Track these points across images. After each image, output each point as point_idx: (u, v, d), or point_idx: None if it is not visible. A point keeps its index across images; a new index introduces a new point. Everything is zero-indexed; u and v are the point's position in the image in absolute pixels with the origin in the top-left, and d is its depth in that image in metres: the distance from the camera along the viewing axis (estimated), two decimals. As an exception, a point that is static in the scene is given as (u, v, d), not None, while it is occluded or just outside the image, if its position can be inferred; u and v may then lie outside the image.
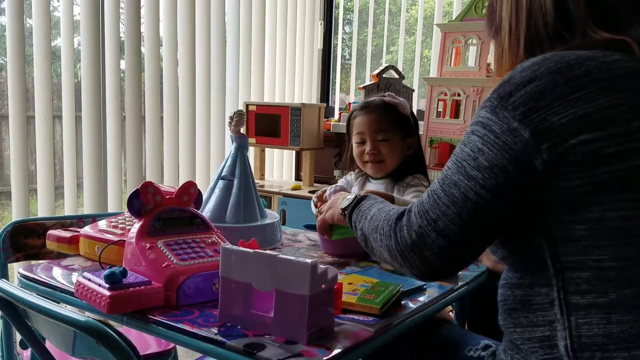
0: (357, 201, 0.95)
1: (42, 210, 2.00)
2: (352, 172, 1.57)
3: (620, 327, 0.66)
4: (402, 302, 0.93)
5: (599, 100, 0.67)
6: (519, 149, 0.68)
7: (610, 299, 0.67)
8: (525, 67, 0.71)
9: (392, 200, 1.31)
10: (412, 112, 1.53)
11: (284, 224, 2.29)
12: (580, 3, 0.74)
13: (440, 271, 0.77)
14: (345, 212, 0.96)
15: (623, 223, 0.66)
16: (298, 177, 2.84)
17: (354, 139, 1.47)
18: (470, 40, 2.18)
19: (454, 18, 2.34)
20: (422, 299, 0.95)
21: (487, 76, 2.12)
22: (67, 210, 2.08)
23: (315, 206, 1.35)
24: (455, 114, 2.21)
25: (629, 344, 0.65)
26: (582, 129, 0.66)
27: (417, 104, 2.77)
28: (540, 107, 0.68)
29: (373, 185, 1.47)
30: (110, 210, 2.17)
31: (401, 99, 1.51)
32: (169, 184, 2.37)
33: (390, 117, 1.45)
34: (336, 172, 2.55)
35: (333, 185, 1.28)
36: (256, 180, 2.52)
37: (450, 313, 1.49)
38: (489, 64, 2.13)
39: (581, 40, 0.74)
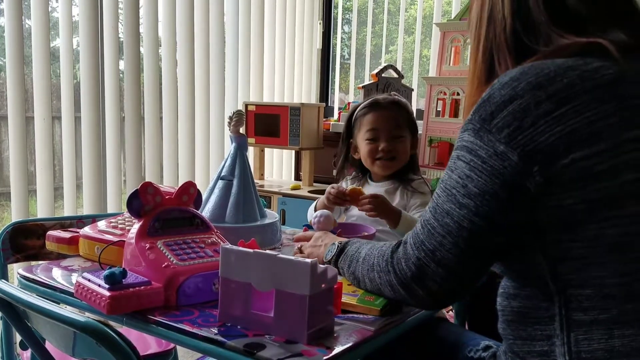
0: (340, 250, 0.94)
1: (41, 211, 2.00)
2: (347, 178, 1.55)
3: (622, 341, 0.65)
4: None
5: (585, 114, 0.65)
6: (509, 173, 0.67)
7: (612, 315, 0.65)
8: (503, 83, 0.69)
9: (399, 216, 1.29)
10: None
11: (283, 223, 2.28)
12: (540, 8, 0.73)
13: (445, 299, 0.77)
14: (330, 262, 0.95)
15: (620, 239, 0.65)
16: (298, 177, 2.84)
17: (364, 137, 1.42)
18: (469, 39, 2.18)
19: (452, 17, 2.34)
20: (422, 298, 0.95)
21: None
22: (67, 210, 2.08)
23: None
24: (455, 113, 2.22)
25: (630, 357, 0.64)
26: (571, 147, 0.64)
27: (416, 103, 2.78)
28: (525, 126, 0.66)
29: (373, 188, 1.44)
30: (109, 210, 2.17)
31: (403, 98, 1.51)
32: (168, 184, 2.37)
33: (402, 115, 1.44)
34: (335, 172, 2.54)
35: (319, 212, 1.20)
36: (256, 180, 2.52)
37: (450, 312, 1.49)
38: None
39: (546, 45, 0.72)
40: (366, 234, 1.24)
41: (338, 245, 0.96)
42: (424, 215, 0.76)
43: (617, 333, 0.65)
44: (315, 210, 1.45)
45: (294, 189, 2.47)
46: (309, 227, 1.30)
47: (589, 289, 0.66)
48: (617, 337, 0.65)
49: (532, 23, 0.74)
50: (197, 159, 2.52)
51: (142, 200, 0.94)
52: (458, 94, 2.18)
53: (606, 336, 0.65)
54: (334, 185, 1.38)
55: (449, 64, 2.24)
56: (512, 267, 0.75)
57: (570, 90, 0.65)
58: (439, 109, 2.27)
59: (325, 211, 1.23)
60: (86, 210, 2.11)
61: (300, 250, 1.09)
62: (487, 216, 0.69)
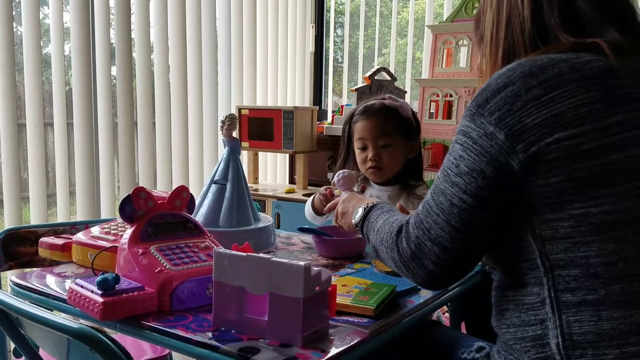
0: (366, 213, 0.96)
1: (34, 218, 1.99)
2: None
3: (611, 324, 0.66)
4: (397, 303, 0.93)
5: (571, 99, 0.69)
6: (495, 152, 0.70)
7: (599, 296, 0.67)
8: (500, 73, 0.74)
9: None
10: (413, 114, 1.49)
11: (278, 227, 2.28)
12: (554, 12, 0.77)
13: (442, 279, 0.78)
14: (358, 227, 0.98)
15: (607, 218, 0.67)
16: (292, 181, 2.84)
17: (356, 145, 1.43)
18: (461, 41, 2.19)
19: (444, 19, 2.35)
20: (416, 299, 0.95)
21: (478, 77, 2.13)
22: (60, 217, 2.07)
23: (321, 201, 1.35)
24: (448, 115, 2.22)
25: (620, 340, 0.66)
26: (556, 128, 0.68)
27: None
28: (514, 109, 0.70)
29: (376, 191, 1.44)
30: (103, 216, 2.16)
31: (402, 100, 1.48)
32: (162, 190, 2.36)
33: (392, 121, 1.42)
34: (330, 175, 2.55)
35: (340, 172, 1.23)
36: (250, 184, 2.52)
37: (446, 313, 1.50)
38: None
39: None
40: (358, 236, 1.24)
41: (364, 208, 0.97)
42: (426, 196, 0.79)
43: (605, 315, 0.67)
44: (313, 206, 1.44)
45: (288, 192, 2.47)
46: (303, 230, 1.30)
47: (576, 269, 0.68)
48: (606, 319, 0.67)
49: (545, 26, 0.77)
50: (190, 164, 2.51)
51: (135, 205, 0.94)
52: (451, 95, 2.19)
53: (595, 318, 0.67)
54: (326, 187, 1.39)
55: (442, 66, 2.25)
56: (508, 256, 0.77)
57: (560, 78, 0.70)
58: (432, 110, 2.27)
59: (346, 170, 1.26)
60: (79, 216, 2.10)
61: (333, 213, 1.12)
62: (475, 193, 0.72)
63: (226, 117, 1.24)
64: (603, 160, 0.67)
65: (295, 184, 2.63)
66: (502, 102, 0.71)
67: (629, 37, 0.75)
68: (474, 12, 2.13)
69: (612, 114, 0.68)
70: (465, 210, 0.73)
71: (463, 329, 1.31)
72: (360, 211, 0.98)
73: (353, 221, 1.00)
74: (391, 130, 1.42)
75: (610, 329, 0.66)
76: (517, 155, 0.69)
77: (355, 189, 1.24)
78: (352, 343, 0.78)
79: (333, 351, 0.75)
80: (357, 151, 1.44)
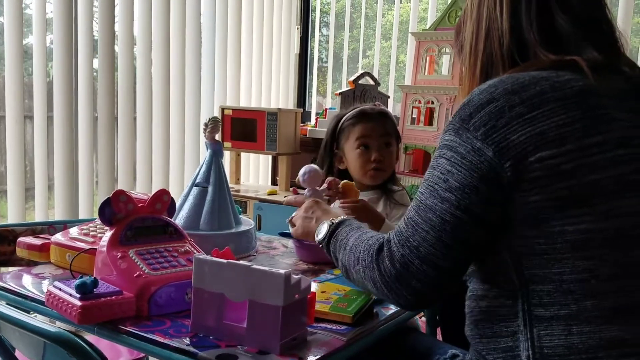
0: (332, 230, 0.92)
1: (12, 211, 1.96)
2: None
3: (580, 338, 0.68)
4: (374, 310, 0.94)
5: (553, 119, 0.70)
6: (485, 168, 0.71)
7: (571, 311, 0.69)
8: (482, 89, 0.74)
9: (382, 222, 1.28)
10: None
11: (259, 229, 2.28)
12: (532, 28, 0.78)
13: (429, 298, 0.77)
14: (322, 244, 0.95)
15: (581, 236, 0.69)
16: (274, 182, 2.84)
17: (354, 146, 1.43)
18: (443, 49, 2.22)
19: (428, 26, 2.37)
20: (394, 306, 0.97)
21: (459, 85, 2.15)
22: (38, 211, 2.04)
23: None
24: (429, 121, 2.25)
25: (589, 354, 0.68)
26: (539, 147, 0.69)
27: (392, 109, 2.80)
28: (499, 126, 0.71)
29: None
30: (81, 212, 2.14)
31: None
32: (141, 188, 2.34)
33: (389, 124, 1.47)
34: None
35: (306, 168, 1.22)
36: (231, 185, 2.50)
37: (423, 318, 1.52)
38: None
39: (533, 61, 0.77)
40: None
41: (330, 225, 0.93)
42: (407, 213, 0.77)
43: (575, 329, 0.68)
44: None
45: (270, 194, 2.47)
46: (284, 235, 1.30)
47: (550, 285, 0.70)
48: (576, 333, 0.68)
49: (524, 41, 0.78)
50: (171, 164, 2.49)
51: (114, 208, 0.93)
52: (432, 102, 2.22)
53: (565, 332, 0.69)
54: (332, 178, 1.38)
55: (424, 73, 2.27)
56: (483, 268, 0.78)
57: (542, 97, 0.71)
58: (414, 116, 2.30)
59: (313, 166, 1.25)
60: (57, 211, 2.08)
61: (292, 223, 1.09)
62: (468, 209, 0.71)
63: (209, 119, 1.23)
64: (582, 180, 0.68)
65: (277, 185, 2.63)
66: (486, 117, 0.71)
67: (607, 55, 0.77)
68: (457, 20, 2.16)
69: (592, 134, 0.70)
70: (458, 227, 0.72)
71: (439, 335, 1.33)
72: (325, 227, 0.94)
73: (317, 238, 0.96)
74: (391, 131, 1.46)
75: (579, 343, 0.68)
76: (506, 173, 0.70)
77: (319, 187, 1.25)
78: (329, 350, 0.78)
79: (311, 358, 0.75)
80: (355, 153, 1.44)
